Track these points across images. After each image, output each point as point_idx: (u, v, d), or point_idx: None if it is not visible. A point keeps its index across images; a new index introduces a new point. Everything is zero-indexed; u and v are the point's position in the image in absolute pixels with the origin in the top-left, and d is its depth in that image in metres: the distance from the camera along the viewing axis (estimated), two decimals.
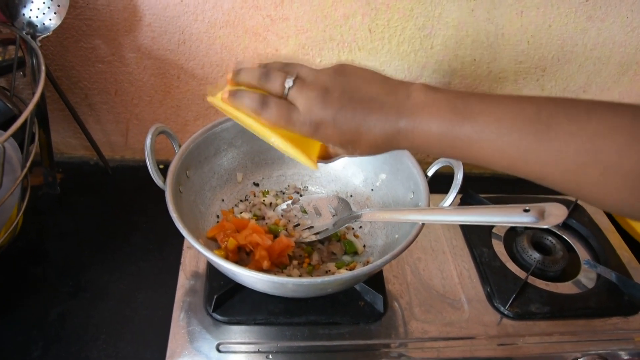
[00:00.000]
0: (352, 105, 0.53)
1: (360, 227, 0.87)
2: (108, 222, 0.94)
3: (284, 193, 0.91)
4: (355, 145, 0.55)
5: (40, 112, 0.84)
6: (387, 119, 0.51)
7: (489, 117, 0.48)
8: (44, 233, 0.90)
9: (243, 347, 0.71)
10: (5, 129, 0.73)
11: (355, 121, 0.52)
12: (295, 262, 0.79)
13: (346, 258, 0.82)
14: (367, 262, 0.79)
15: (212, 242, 0.79)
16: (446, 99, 0.51)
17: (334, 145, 0.58)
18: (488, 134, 0.48)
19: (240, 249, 0.77)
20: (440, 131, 0.50)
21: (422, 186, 0.75)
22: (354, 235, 0.85)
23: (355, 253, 0.82)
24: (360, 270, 0.65)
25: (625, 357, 0.79)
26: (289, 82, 0.55)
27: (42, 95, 0.83)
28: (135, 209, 0.96)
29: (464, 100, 0.50)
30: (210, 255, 0.62)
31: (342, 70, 0.56)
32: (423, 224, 0.69)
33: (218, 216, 0.84)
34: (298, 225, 0.84)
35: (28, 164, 0.73)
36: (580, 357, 0.76)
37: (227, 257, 0.75)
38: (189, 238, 0.63)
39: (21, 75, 0.87)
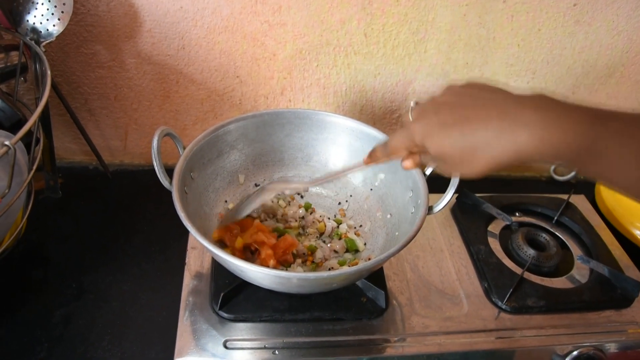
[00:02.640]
0: (465, 124, 0.51)
1: (361, 225, 0.89)
2: (109, 225, 0.94)
3: (284, 194, 0.92)
4: (467, 165, 0.52)
5: (43, 116, 0.85)
6: (508, 134, 0.49)
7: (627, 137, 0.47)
8: (46, 236, 0.91)
9: (249, 344, 0.72)
10: (10, 132, 0.74)
11: (468, 140, 0.50)
12: (299, 260, 0.80)
13: (348, 256, 0.83)
14: (369, 259, 0.81)
15: (217, 243, 0.81)
16: (581, 112, 0.49)
17: (443, 165, 0.56)
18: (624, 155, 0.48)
19: (245, 248, 0.78)
20: (573, 142, 0.48)
21: (421, 184, 0.77)
22: (355, 234, 0.87)
23: (357, 251, 0.84)
24: (364, 264, 0.67)
25: (619, 349, 0.81)
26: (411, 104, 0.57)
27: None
28: (135, 212, 0.97)
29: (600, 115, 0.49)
30: (218, 252, 0.63)
31: (456, 90, 0.55)
32: (423, 222, 0.72)
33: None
34: None
35: (34, 167, 0.74)
36: (575, 349, 0.78)
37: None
38: (197, 236, 0.64)
39: (22, 80, 0.88)
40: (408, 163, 0.61)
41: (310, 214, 0.90)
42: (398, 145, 0.59)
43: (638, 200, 0.50)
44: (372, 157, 0.65)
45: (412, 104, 0.58)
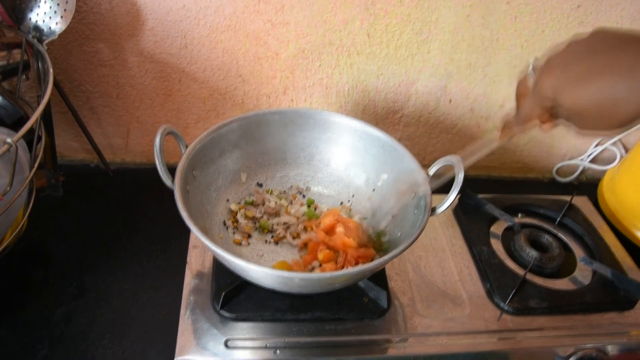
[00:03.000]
0: (603, 76, 0.48)
1: (365, 218, 0.89)
2: (111, 224, 0.94)
3: (286, 193, 0.92)
4: (607, 119, 0.49)
5: (45, 114, 0.85)
6: None
7: None
8: (47, 235, 0.91)
9: (251, 343, 0.71)
10: (13, 130, 0.74)
11: (608, 93, 0.48)
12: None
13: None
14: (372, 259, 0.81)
15: (219, 240, 0.81)
16: None
17: (579, 120, 0.53)
18: None
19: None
20: None
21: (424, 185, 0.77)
22: None
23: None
24: (366, 265, 0.66)
25: (621, 351, 0.81)
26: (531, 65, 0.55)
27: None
28: (137, 210, 0.97)
29: None
30: (219, 251, 0.63)
31: (582, 40, 0.52)
32: (426, 223, 0.71)
33: (225, 222, 0.85)
34: None
35: (36, 165, 0.74)
36: (577, 351, 0.78)
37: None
38: (199, 235, 0.64)
39: (24, 78, 0.88)
40: (546, 127, 0.57)
41: (315, 209, 0.90)
42: (531, 111, 0.56)
43: None
44: (506, 131, 0.61)
45: (531, 62, 0.57)
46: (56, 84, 0.90)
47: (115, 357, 0.74)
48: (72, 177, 1.03)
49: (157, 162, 0.71)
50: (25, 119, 0.77)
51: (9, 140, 0.61)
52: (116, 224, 0.94)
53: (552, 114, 0.55)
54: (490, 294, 0.84)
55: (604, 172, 1.16)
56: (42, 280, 0.83)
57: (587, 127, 0.52)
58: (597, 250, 0.94)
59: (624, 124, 0.49)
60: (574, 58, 0.51)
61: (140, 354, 0.75)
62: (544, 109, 0.55)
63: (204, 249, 0.84)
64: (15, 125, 0.76)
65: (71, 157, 1.09)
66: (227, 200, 0.87)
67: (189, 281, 0.79)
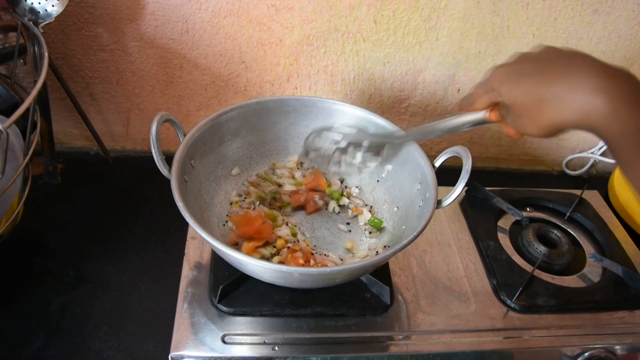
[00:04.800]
0: (542, 75, 0.52)
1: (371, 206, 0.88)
2: (110, 213, 0.93)
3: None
4: (533, 118, 0.53)
5: (42, 100, 0.83)
6: (584, 94, 0.48)
7: None
8: (44, 223, 0.89)
9: (248, 339, 0.70)
10: (7, 116, 0.72)
11: (540, 91, 0.51)
12: None
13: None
14: (376, 254, 0.79)
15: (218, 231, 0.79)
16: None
17: (512, 116, 0.56)
18: None
19: None
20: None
21: (430, 177, 0.75)
22: (370, 212, 0.86)
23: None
24: (367, 260, 0.65)
25: (631, 351, 0.78)
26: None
27: (44, 84, 0.82)
28: (136, 199, 0.96)
29: None
30: (217, 244, 0.61)
31: (549, 46, 0.56)
32: (431, 216, 0.69)
33: (226, 218, 0.83)
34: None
35: (30, 152, 0.72)
36: (585, 351, 0.76)
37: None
38: (195, 226, 0.62)
39: (22, 63, 0.86)
40: (492, 115, 0.60)
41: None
42: (479, 92, 0.59)
43: None
44: (460, 107, 0.64)
45: None
46: (54, 69, 0.88)
47: (112, 350, 0.73)
48: (71, 164, 1.02)
49: (153, 151, 0.68)
50: (21, 105, 0.75)
51: None
52: (115, 213, 0.93)
53: (496, 106, 0.59)
54: (496, 290, 0.82)
55: (615, 165, 1.14)
56: (39, 269, 0.82)
57: (518, 125, 0.56)
58: (607, 247, 0.91)
59: (546, 130, 0.52)
60: (523, 61, 0.55)
61: (137, 347, 0.73)
62: (489, 97, 0.58)
63: (202, 240, 0.82)
64: (10, 112, 0.74)
65: (70, 144, 1.07)
66: (227, 190, 0.85)
67: (186, 273, 0.78)
